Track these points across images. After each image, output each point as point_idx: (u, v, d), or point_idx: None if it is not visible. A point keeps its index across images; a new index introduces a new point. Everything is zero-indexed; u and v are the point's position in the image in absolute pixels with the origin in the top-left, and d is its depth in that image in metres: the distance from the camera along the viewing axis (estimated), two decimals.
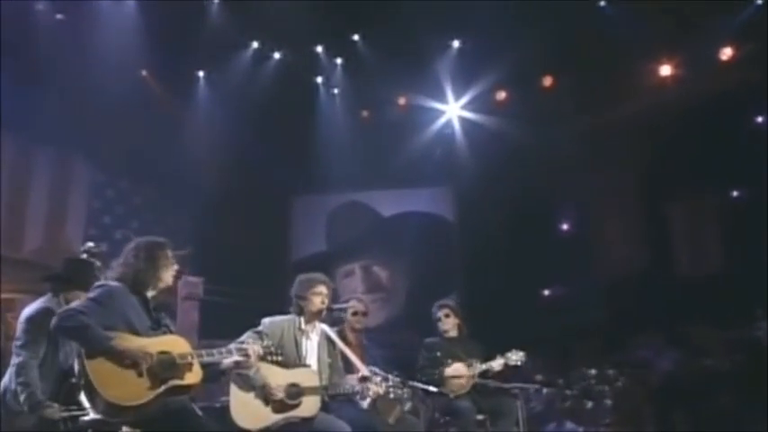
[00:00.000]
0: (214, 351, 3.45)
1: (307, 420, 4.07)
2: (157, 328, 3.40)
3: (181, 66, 9.41)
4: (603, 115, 9.62)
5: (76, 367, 3.22)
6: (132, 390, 3.10)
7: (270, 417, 4.00)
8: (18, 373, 3.69)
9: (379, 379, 4.36)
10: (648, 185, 10.22)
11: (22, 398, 3.64)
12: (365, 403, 4.51)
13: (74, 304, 3.31)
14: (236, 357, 3.51)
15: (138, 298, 3.40)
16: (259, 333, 4.20)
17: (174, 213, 10.55)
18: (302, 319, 4.34)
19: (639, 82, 9.32)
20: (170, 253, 3.51)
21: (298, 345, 4.27)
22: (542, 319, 10.12)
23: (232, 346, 3.83)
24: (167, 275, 3.48)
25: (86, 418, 3.30)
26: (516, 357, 5.34)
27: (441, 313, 5.54)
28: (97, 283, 3.44)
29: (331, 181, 10.80)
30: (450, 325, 5.52)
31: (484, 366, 5.27)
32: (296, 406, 4.03)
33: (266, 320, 4.31)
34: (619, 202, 10.54)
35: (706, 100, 8.89)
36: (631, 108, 9.35)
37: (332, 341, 4.46)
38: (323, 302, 4.34)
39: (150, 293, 3.46)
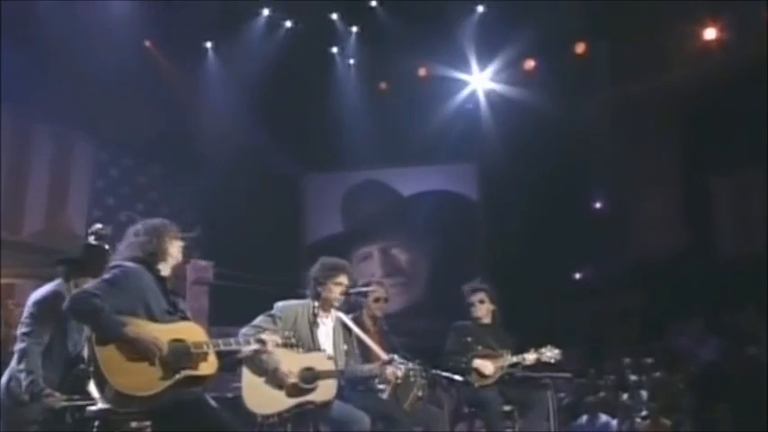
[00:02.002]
0: (231, 340, 3.46)
1: (323, 404, 4.09)
2: (174, 312, 3.41)
3: (187, 36, 9.36)
4: (641, 84, 9.43)
5: (86, 353, 3.22)
6: (143, 379, 3.11)
7: (284, 401, 4.03)
8: (20, 360, 3.72)
9: (398, 362, 4.36)
10: (689, 159, 10.05)
11: (23, 385, 3.67)
12: (385, 394, 4.50)
13: (87, 286, 3.30)
14: (254, 347, 3.54)
15: (155, 278, 3.43)
16: (272, 317, 4.22)
17: (181, 193, 10.58)
18: (317, 304, 4.36)
19: (681, 47, 9.13)
20: (173, 228, 3.58)
21: (312, 330, 4.29)
22: (573, 305, 10.06)
23: (245, 329, 3.85)
24: (175, 250, 3.53)
25: (93, 408, 3.30)
26: (551, 354, 5.21)
27: (475, 298, 5.44)
28: (112, 263, 3.45)
29: (347, 158, 10.75)
30: (483, 311, 5.41)
31: (515, 359, 5.20)
32: (311, 390, 4.06)
33: (279, 304, 4.33)
34: (657, 178, 10.39)
35: (754, 66, 8.66)
36: (672, 76, 9.16)
37: (348, 328, 4.47)
38: (342, 294, 4.37)
39: (163, 271, 3.50)
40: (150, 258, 3.44)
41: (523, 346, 5.32)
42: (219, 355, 3.36)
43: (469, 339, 5.21)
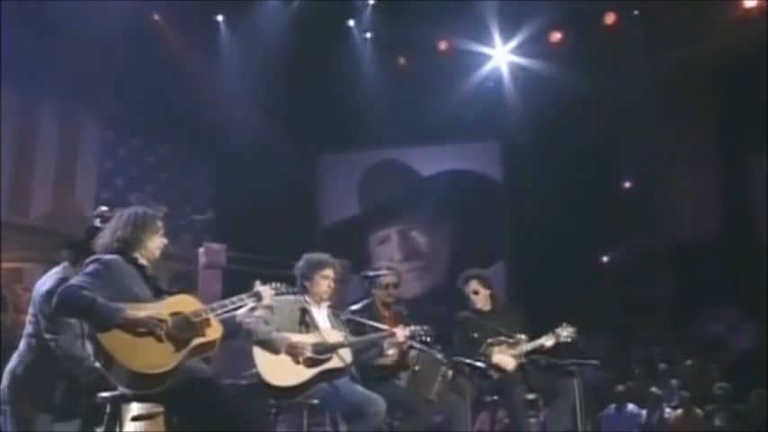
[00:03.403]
0: (226, 301, 3.55)
1: (342, 370, 4.34)
2: (159, 295, 3.47)
3: (197, 9, 9.35)
4: (674, 56, 9.28)
5: (90, 348, 3.30)
6: (158, 356, 3.18)
7: (305, 372, 4.26)
8: (67, 351, 3.77)
9: (401, 327, 4.62)
10: (725, 136, 9.90)
11: (77, 373, 3.74)
12: (402, 382, 4.64)
13: (72, 281, 3.35)
14: (251, 303, 3.64)
15: (134, 267, 3.48)
16: (269, 307, 4.32)
17: (192, 174, 10.61)
18: (307, 297, 4.58)
19: (718, 16, 8.97)
20: (159, 223, 3.59)
21: (307, 321, 4.49)
22: (601, 290, 9.99)
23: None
24: (153, 245, 3.55)
25: (105, 394, 3.35)
26: (566, 333, 5.19)
27: (468, 289, 5.43)
28: (90, 258, 3.47)
29: (364, 137, 10.73)
30: (481, 300, 5.38)
31: (532, 345, 5.17)
32: (327, 360, 4.31)
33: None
34: (690, 156, 10.24)
35: None
36: (708, 47, 9.03)
37: (341, 319, 4.69)
38: (329, 287, 4.62)
39: (141, 260, 3.53)
40: (126, 247, 3.47)
41: (546, 331, 5.29)
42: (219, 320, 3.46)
43: (476, 335, 5.19)
